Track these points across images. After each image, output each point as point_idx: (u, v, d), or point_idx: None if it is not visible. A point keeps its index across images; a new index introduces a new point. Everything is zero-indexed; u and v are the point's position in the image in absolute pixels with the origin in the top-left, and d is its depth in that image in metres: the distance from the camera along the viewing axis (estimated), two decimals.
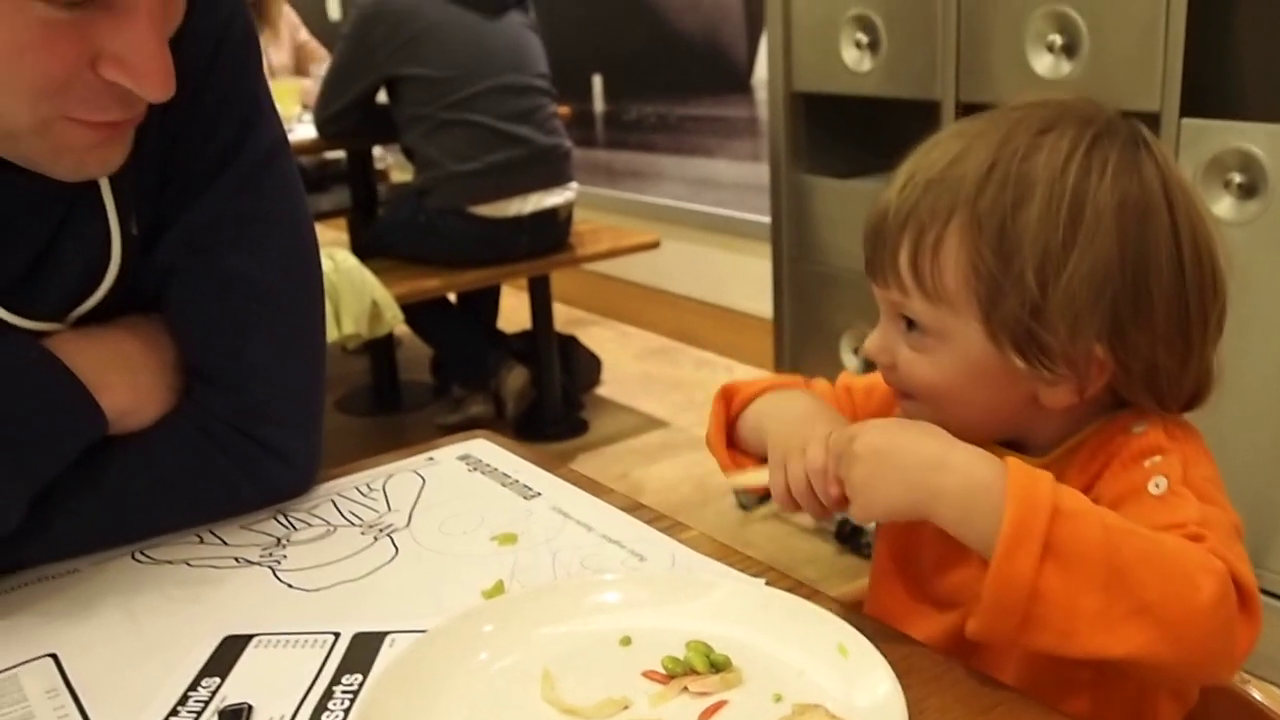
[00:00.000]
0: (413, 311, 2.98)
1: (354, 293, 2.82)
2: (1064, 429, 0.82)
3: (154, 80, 0.74)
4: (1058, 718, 0.64)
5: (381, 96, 3.06)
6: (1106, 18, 2.00)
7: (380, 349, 3.42)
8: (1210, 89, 1.94)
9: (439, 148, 2.96)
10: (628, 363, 3.85)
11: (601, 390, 3.61)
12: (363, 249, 3.07)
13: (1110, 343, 0.76)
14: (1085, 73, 2.03)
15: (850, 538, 2.55)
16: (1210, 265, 0.78)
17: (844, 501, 0.76)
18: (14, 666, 0.73)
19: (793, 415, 0.86)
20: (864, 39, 2.43)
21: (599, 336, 3.99)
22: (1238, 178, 1.85)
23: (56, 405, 0.83)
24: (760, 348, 3.16)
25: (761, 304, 2.98)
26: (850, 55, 2.46)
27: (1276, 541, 1.93)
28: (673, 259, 3.76)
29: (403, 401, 3.54)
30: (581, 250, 3.22)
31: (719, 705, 0.64)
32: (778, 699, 0.64)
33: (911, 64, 2.35)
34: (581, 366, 3.55)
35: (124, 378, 0.86)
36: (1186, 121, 1.87)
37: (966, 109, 2.23)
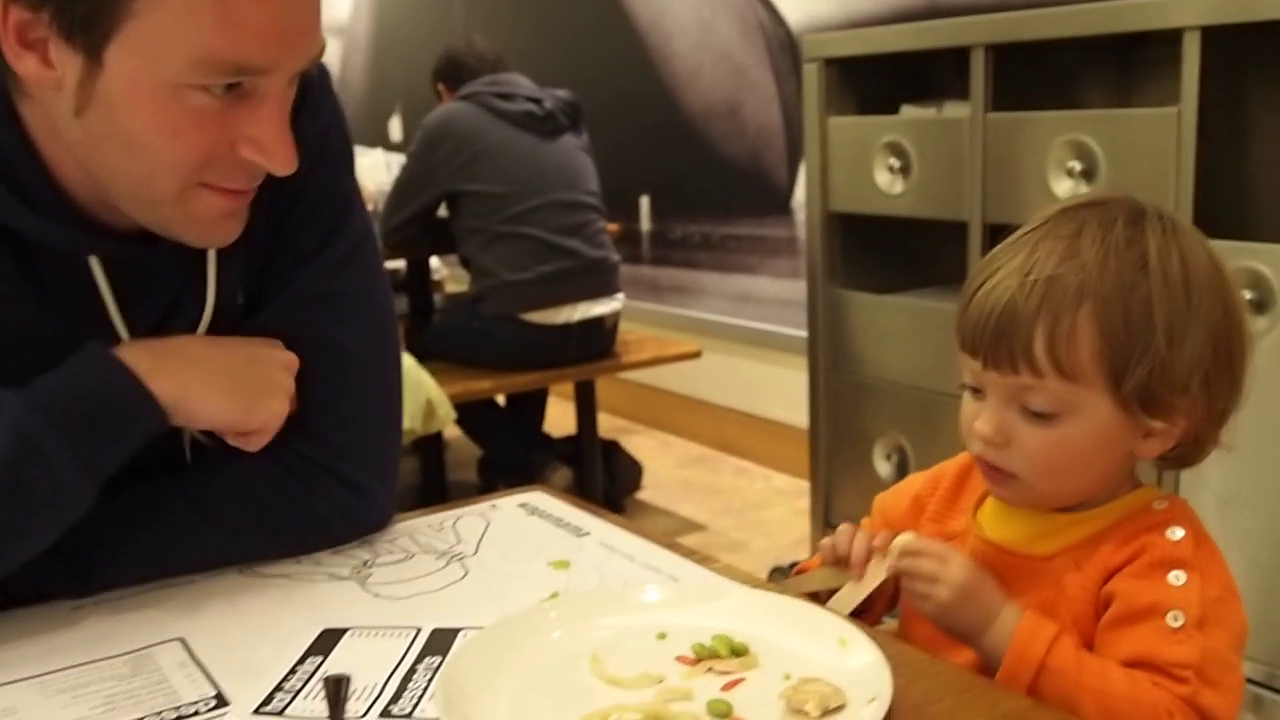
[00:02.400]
0: (463, 412, 3.13)
1: (410, 391, 2.98)
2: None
3: (281, 158, 0.91)
4: (1016, 698, 0.76)
5: (441, 211, 3.27)
6: (1122, 146, 2.15)
7: (430, 449, 3.57)
8: (1220, 211, 2.08)
9: (495, 258, 3.15)
10: (668, 469, 3.98)
11: (642, 494, 3.73)
12: (419, 352, 3.24)
13: (1207, 389, 0.90)
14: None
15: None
16: (1242, 322, 0.93)
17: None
18: (148, 646, 0.87)
19: None
20: (896, 164, 2.60)
21: (641, 444, 4.13)
22: (1248, 295, 1.96)
23: (112, 395, 0.91)
24: (796, 456, 3.28)
25: (798, 414, 3.11)
26: (883, 178, 2.63)
27: None
28: (713, 371, 3.91)
29: (450, 500, 3.65)
30: (626, 358, 3.38)
31: (738, 681, 0.77)
32: (786, 676, 0.76)
33: (941, 187, 2.50)
34: (623, 471, 3.68)
35: (175, 368, 0.94)
36: None
37: (993, 230, 2.38)
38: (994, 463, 0.93)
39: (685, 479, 3.89)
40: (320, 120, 1.06)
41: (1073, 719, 0.80)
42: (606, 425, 3.86)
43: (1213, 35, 1.99)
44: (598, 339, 3.29)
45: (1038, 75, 2.45)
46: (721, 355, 3.93)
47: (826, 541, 1.01)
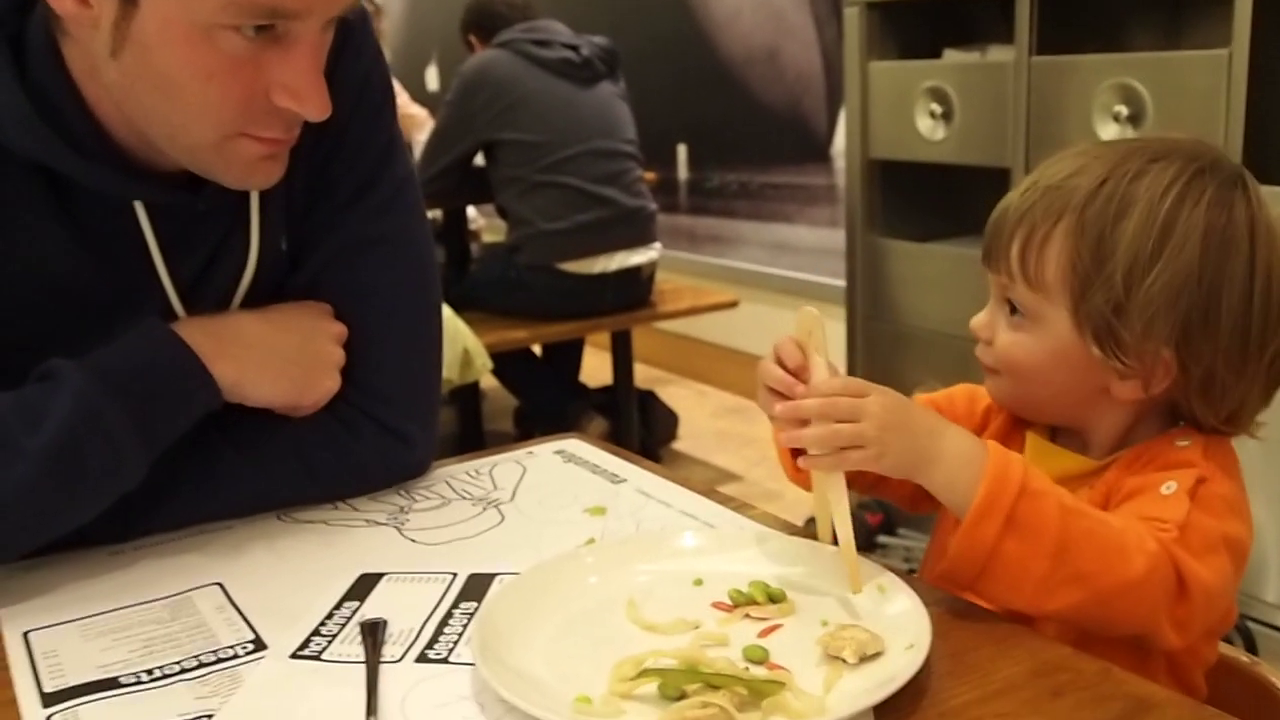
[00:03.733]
0: (499, 362, 3.13)
1: (447, 340, 2.97)
2: (1123, 434, 0.94)
3: (315, 103, 0.89)
4: (1056, 646, 0.75)
5: (478, 160, 3.26)
6: (1169, 89, 2.10)
7: (466, 400, 3.58)
8: (1271, 158, 2.03)
9: (531, 207, 3.14)
10: (704, 420, 3.97)
11: (678, 445, 3.73)
12: (455, 301, 3.24)
13: (1178, 347, 0.88)
14: None
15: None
16: (1278, 301, 0.89)
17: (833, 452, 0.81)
18: (187, 590, 0.88)
19: None
20: (938, 109, 2.56)
21: (677, 395, 4.13)
22: None
23: (173, 373, 0.93)
24: None
25: (835, 364, 3.09)
26: (925, 125, 2.59)
27: None
28: (750, 321, 3.89)
29: (487, 450, 3.67)
30: (663, 307, 3.36)
31: (775, 627, 0.76)
32: (824, 623, 0.76)
33: (983, 133, 2.47)
34: (659, 421, 3.68)
35: (235, 352, 0.97)
36: None
37: None
38: (981, 357, 0.97)
39: (721, 429, 3.88)
40: (362, 63, 1.05)
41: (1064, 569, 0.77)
42: (642, 375, 3.85)
43: None
44: (634, 288, 3.27)
45: (1083, 18, 2.39)
46: (758, 305, 3.90)
47: (763, 394, 0.89)
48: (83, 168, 0.92)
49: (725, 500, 1.00)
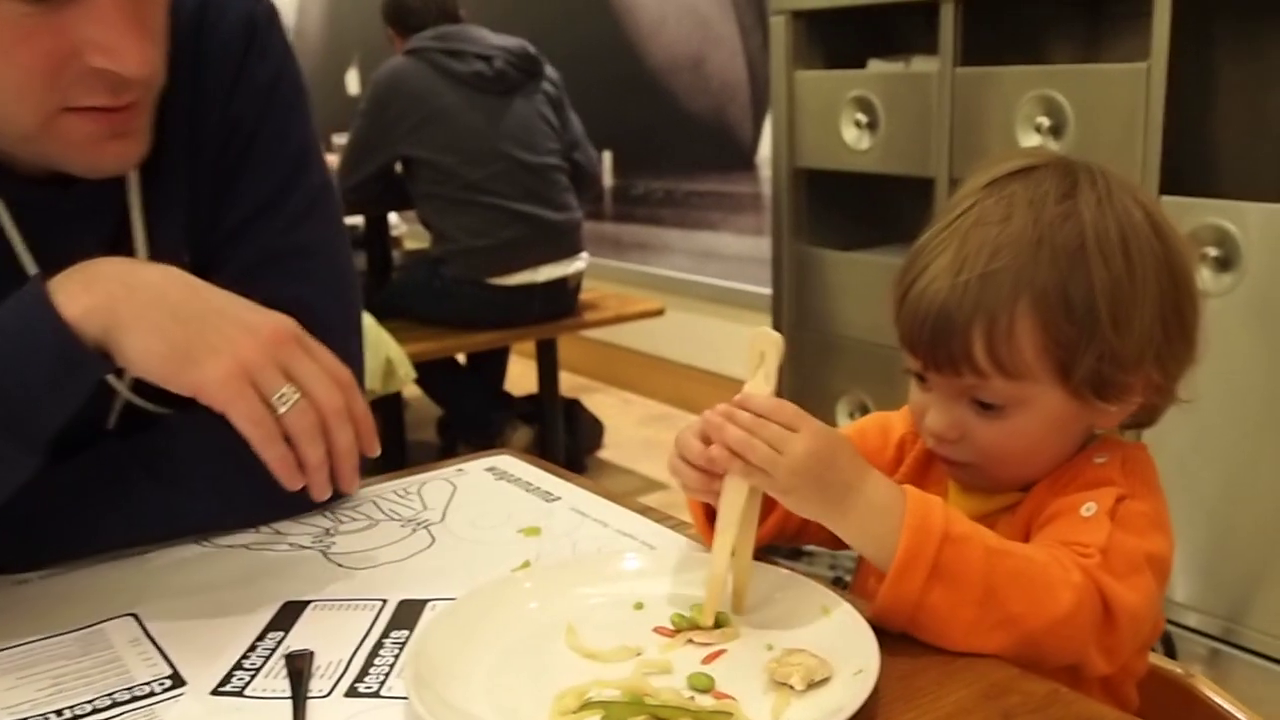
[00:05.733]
0: (423, 371, 3.08)
1: (369, 350, 2.91)
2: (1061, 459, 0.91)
3: (130, 56, 0.81)
4: (1004, 667, 0.74)
5: (398, 167, 3.20)
6: (1091, 103, 2.14)
7: (389, 410, 3.52)
8: (1187, 169, 2.07)
9: (454, 224, 3.09)
10: (629, 428, 3.95)
11: (603, 453, 3.70)
12: (378, 310, 3.18)
13: (1159, 357, 0.86)
14: (1071, 153, 2.17)
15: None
16: (1191, 282, 0.88)
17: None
18: (99, 622, 0.83)
19: None
20: (863, 119, 2.57)
21: (602, 403, 4.10)
22: (1213, 252, 1.97)
23: (16, 313, 0.80)
24: None
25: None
26: (850, 134, 2.61)
27: (1258, 601, 2.02)
28: (675, 328, 3.88)
29: (409, 461, 3.62)
30: (588, 316, 3.34)
31: (719, 653, 0.74)
32: (769, 648, 0.74)
33: (908, 143, 2.49)
34: (585, 429, 3.65)
35: (108, 290, 0.81)
36: (1165, 199, 1.99)
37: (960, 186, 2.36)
38: (949, 456, 0.90)
39: (646, 437, 3.86)
40: (269, 63, 1.00)
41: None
42: (568, 384, 3.83)
43: None
44: (561, 298, 3.24)
45: (1006, 30, 2.42)
46: (684, 313, 3.89)
47: (682, 477, 0.83)
48: None
49: (662, 518, 0.98)
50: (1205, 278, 1.98)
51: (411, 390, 3.22)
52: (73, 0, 0.79)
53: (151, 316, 0.80)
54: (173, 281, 0.83)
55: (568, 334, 3.44)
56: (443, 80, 3.05)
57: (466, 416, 3.50)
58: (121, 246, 0.95)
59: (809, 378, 2.79)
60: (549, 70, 3.20)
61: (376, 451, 0.87)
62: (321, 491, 0.82)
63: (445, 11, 3.22)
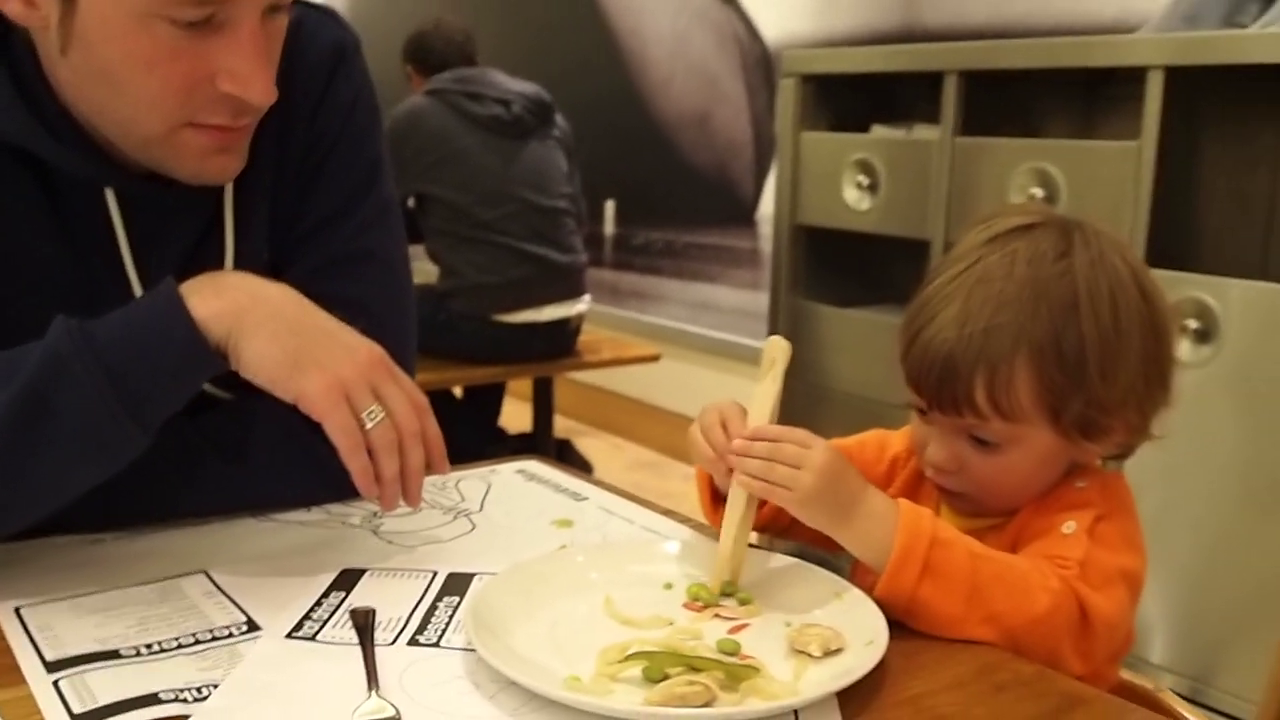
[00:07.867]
0: None
1: None
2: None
3: (258, 88, 0.90)
4: (991, 647, 0.83)
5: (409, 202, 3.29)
6: (1084, 177, 2.25)
7: None
8: (1172, 243, 2.18)
9: (463, 260, 3.17)
10: (618, 472, 4.02)
11: None
12: None
13: (1140, 401, 0.96)
14: None
15: None
16: (1169, 334, 0.99)
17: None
18: (174, 576, 0.91)
19: None
20: (865, 181, 2.68)
21: (593, 446, 4.18)
22: (1194, 324, 2.07)
23: (151, 316, 0.87)
24: None
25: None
26: (851, 195, 2.72)
27: (1228, 664, 2.10)
28: (669, 377, 3.98)
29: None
30: (587, 357, 3.43)
31: (743, 625, 0.83)
32: (788, 624, 0.83)
33: (906, 206, 2.59)
34: (574, 469, 3.72)
35: (231, 297, 0.89)
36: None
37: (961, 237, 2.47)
38: (946, 485, 1.00)
39: (635, 482, 3.94)
40: (351, 85, 1.11)
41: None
42: (561, 426, 3.90)
43: (1175, 75, 2.10)
44: (561, 338, 3.33)
45: (1005, 104, 2.55)
46: (678, 362, 3.99)
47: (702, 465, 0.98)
48: (59, 151, 0.95)
49: (684, 519, 1.07)
50: (1185, 349, 2.07)
51: None
52: (218, 31, 0.88)
53: (270, 326, 0.88)
54: (290, 299, 0.92)
55: (562, 377, 3.51)
56: (461, 122, 3.15)
57: (461, 448, 3.53)
58: (211, 241, 1.04)
59: (799, 426, 2.87)
60: (559, 119, 3.32)
61: (447, 471, 0.97)
62: (391, 503, 0.91)
63: (464, 54, 3.34)
